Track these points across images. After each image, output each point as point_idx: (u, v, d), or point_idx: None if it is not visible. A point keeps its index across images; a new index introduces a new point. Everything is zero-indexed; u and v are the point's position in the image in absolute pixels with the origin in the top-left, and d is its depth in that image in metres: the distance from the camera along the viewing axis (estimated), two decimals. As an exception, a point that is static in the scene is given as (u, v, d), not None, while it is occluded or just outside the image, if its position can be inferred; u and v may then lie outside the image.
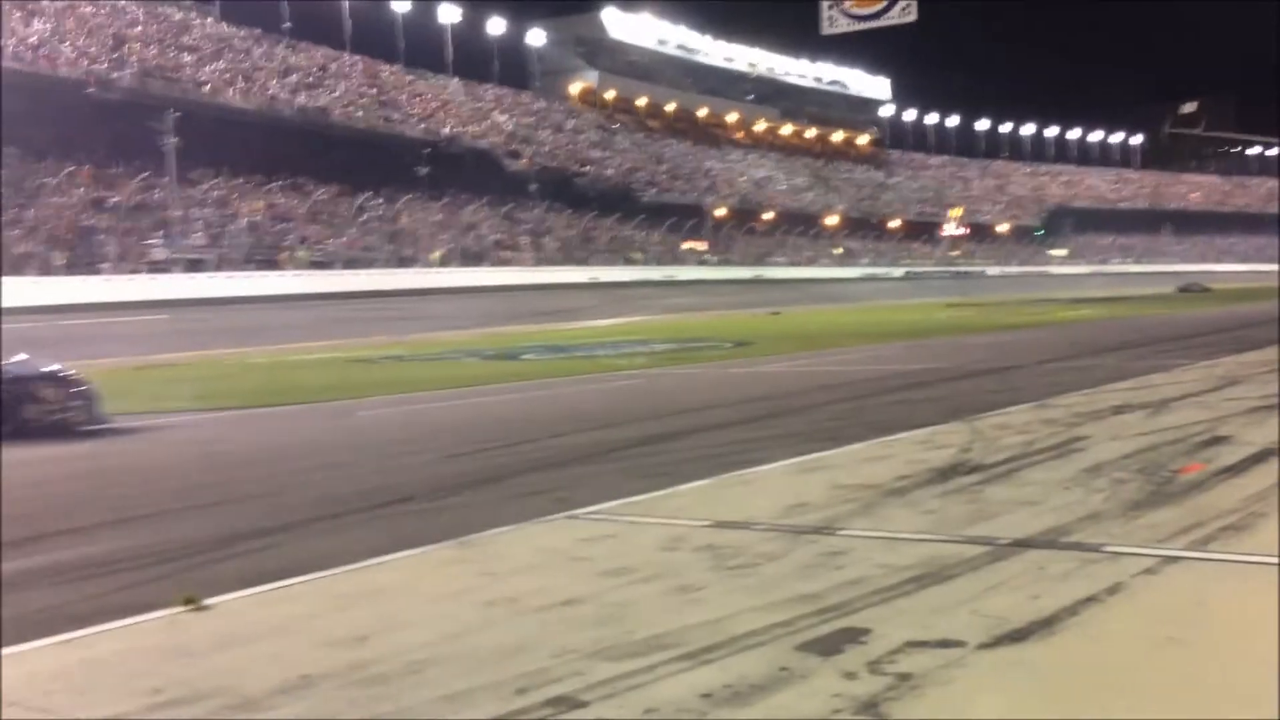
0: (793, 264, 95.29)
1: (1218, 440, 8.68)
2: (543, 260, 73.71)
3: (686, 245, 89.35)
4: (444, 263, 65.38)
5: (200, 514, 8.46)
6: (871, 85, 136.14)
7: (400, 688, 3.97)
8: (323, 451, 11.99)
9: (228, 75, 69.37)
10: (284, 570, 6.00)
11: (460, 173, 75.95)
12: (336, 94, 77.28)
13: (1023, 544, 5.66)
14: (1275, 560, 5.22)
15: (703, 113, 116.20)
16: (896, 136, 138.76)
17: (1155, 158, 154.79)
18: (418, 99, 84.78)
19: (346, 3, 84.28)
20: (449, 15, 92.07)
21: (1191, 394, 11.95)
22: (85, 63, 59.27)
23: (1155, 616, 4.48)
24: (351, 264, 59.50)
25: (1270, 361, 15.54)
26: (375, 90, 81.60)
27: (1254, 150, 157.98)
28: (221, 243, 54.75)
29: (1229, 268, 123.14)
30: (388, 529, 7.41)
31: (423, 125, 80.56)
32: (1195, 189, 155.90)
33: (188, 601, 5.22)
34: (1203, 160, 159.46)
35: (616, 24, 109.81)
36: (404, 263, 63.30)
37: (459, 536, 6.50)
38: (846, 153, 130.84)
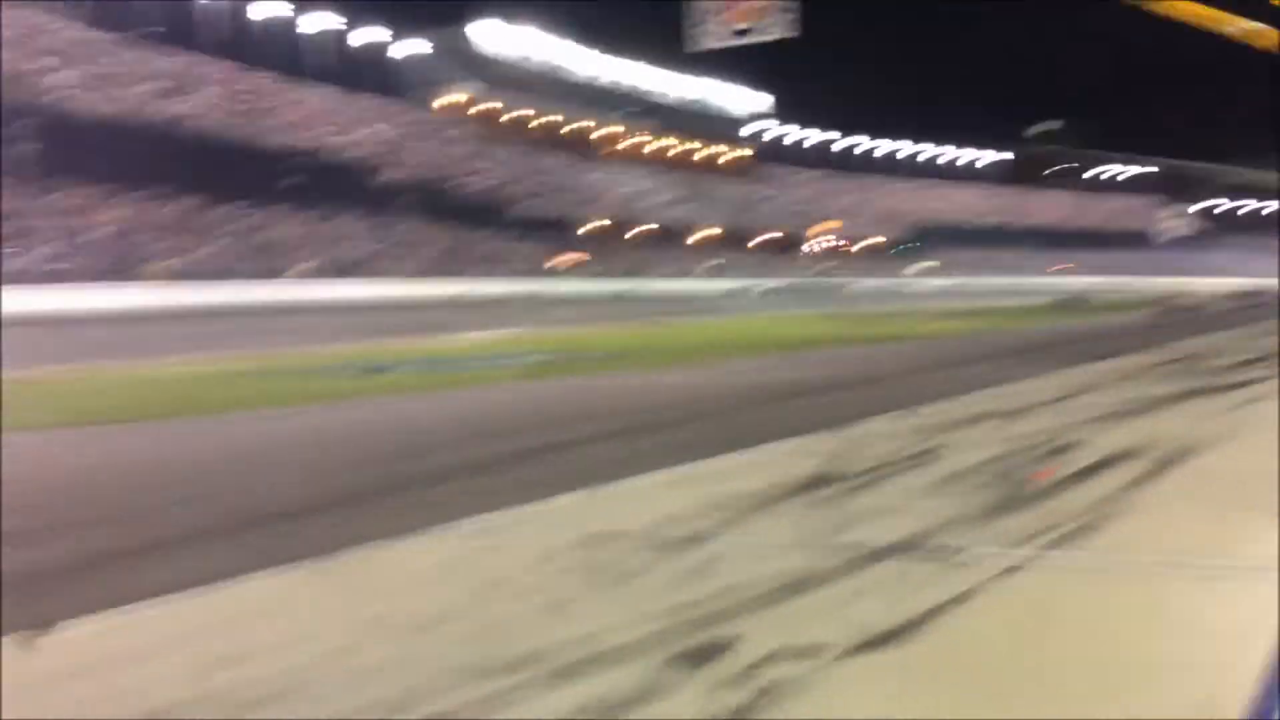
0: (668, 277, 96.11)
1: (1069, 446, 9.04)
2: (416, 273, 72.86)
3: (562, 258, 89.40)
4: (314, 275, 64.14)
5: (50, 535, 8.12)
6: (745, 100, 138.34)
7: (271, 712, 3.87)
8: (184, 469, 11.62)
9: (87, 80, 66.95)
10: (139, 594, 5.80)
11: (331, 183, 74.72)
12: (202, 101, 75.25)
13: (886, 551, 5.81)
14: (1123, 561, 5.48)
15: (580, 126, 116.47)
16: (771, 152, 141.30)
17: (1017, 174, 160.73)
18: (287, 107, 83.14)
19: (212, 7, 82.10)
20: (321, 23, 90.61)
21: (1046, 401, 12.42)
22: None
23: (1011, 618, 4.65)
24: (216, 276, 57.95)
25: (1118, 370, 16.27)
26: (243, 98, 79.73)
27: (1111, 169, 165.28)
28: (78, 254, 52.76)
29: (1087, 280, 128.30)
30: (249, 548, 7.22)
31: (292, 134, 78.99)
32: (1053, 205, 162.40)
33: (32, 628, 5.00)
34: (1062, 178, 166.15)
35: (494, 37, 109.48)
36: (272, 275, 61.89)
37: (326, 554, 6.38)
38: (721, 167, 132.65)
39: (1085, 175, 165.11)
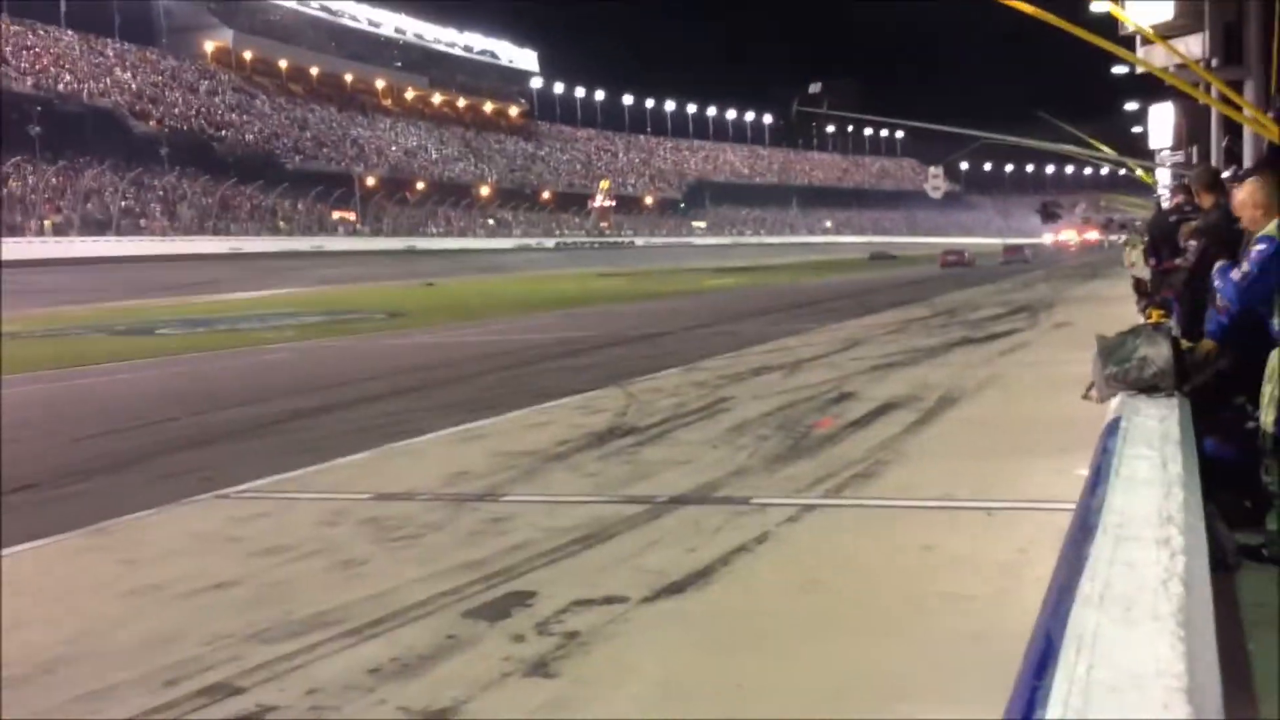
0: (446, 235, 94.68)
1: (845, 396, 9.41)
2: (181, 229, 69.22)
3: (335, 215, 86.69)
4: (61, 231, 60.00)
5: None
6: (520, 56, 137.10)
7: (31, 690, 3.60)
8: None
9: None
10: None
11: (79, 134, 69.88)
12: (-73, 42, 68.97)
13: (678, 501, 5.89)
14: (900, 504, 5.74)
15: (349, 78, 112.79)
16: (545, 109, 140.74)
17: (785, 136, 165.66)
18: (26, 51, 77.05)
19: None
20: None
21: (821, 355, 12.90)
22: None
23: (799, 561, 4.80)
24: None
25: (887, 324, 17.06)
26: (-23, 40, 73.49)
27: (869, 131, 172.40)
28: None
29: (847, 239, 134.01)
30: (10, 519, 6.71)
31: (33, 81, 73.33)
32: (818, 166, 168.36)
33: None
34: (825, 139, 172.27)
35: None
36: (13, 231, 57.51)
37: (93, 524, 5.99)
38: (497, 124, 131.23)
39: (850, 133, 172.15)
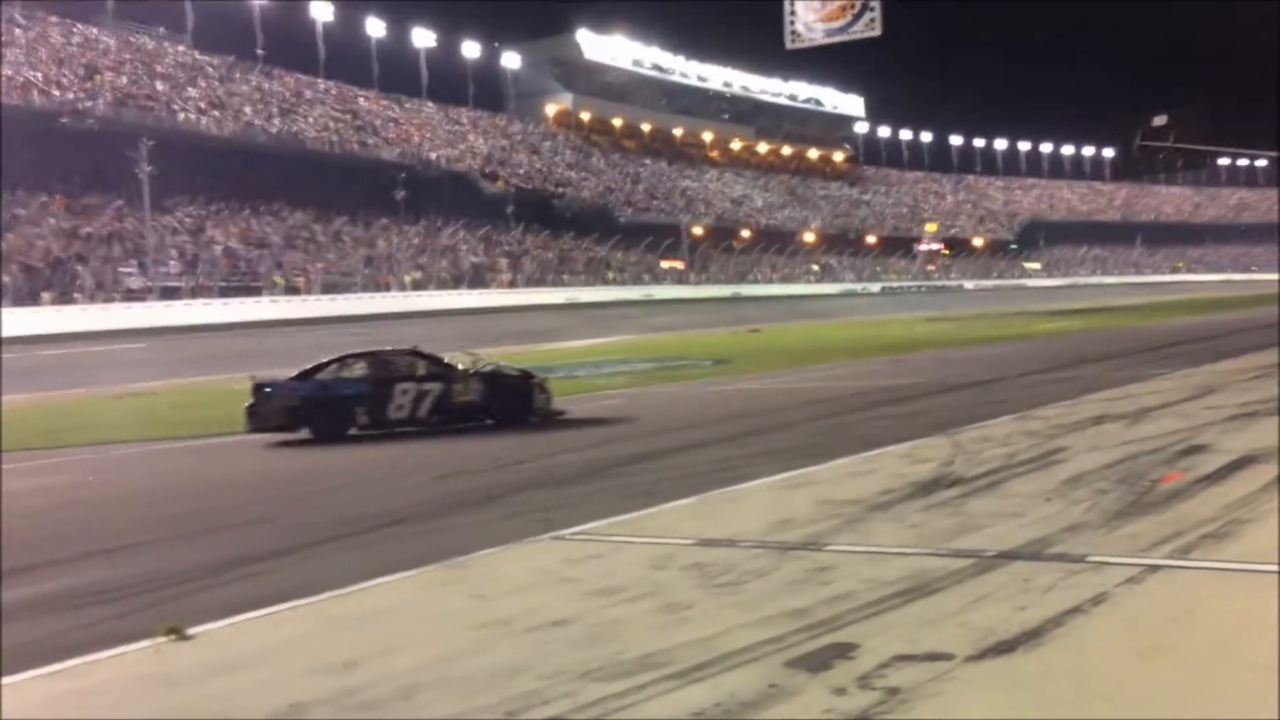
0: (771, 281, 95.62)
1: (1196, 449, 8.75)
2: (524, 281, 73.77)
3: (664, 264, 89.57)
4: (421, 286, 65.34)
5: (200, 539, 8.42)
6: (845, 102, 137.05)
7: (391, 712, 3.97)
8: (317, 476, 11.95)
9: (202, 102, 69.28)
10: (280, 595, 5.98)
11: (437, 196, 76.04)
12: (311, 119, 77.27)
13: (1006, 556, 5.70)
14: (1258, 568, 5.29)
15: (678, 132, 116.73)
16: (870, 153, 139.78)
17: (1126, 170, 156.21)
18: (393, 123, 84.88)
19: (320, 27, 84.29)
20: (423, 40, 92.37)
21: (1169, 403, 12.06)
22: (58, 92, 59.11)
23: (1139, 625, 4.52)
24: (329, 289, 59.38)
25: (1246, 369, 15.69)
26: (350, 115, 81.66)
27: (1223, 161, 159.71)
28: (196, 270, 54.57)
29: (1201, 278, 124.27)
30: (382, 551, 7.40)
31: (398, 149, 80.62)
32: (1167, 201, 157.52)
33: (170, 631, 5.20)
34: (1172, 172, 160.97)
35: (591, 45, 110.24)
36: (381, 287, 63.23)
37: (451, 558, 6.51)
38: (821, 169, 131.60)
39: (1201, 165, 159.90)
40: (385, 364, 15.54)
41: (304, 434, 14.81)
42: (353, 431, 14.93)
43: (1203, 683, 3.82)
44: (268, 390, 14.91)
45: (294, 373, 15.30)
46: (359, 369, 15.40)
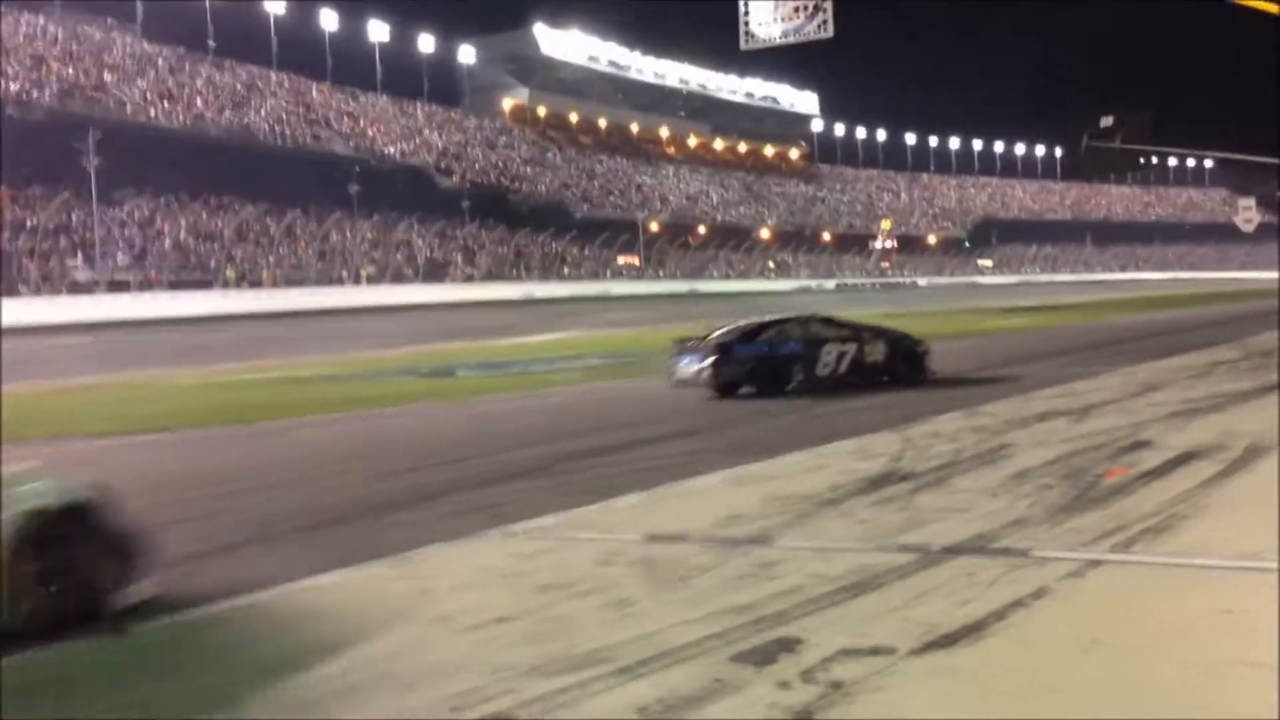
0: (726, 278, 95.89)
1: (1139, 445, 8.87)
2: (480, 276, 73.45)
3: (620, 260, 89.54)
4: (375, 280, 64.90)
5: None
6: (800, 100, 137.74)
7: (334, 710, 3.92)
8: (256, 472, 11.80)
9: (151, 94, 68.31)
10: (215, 594, 5.90)
11: (391, 190, 75.50)
12: (263, 112, 76.45)
13: (951, 551, 5.74)
14: (1198, 563, 5.37)
15: (635, 128, 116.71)
16: (825, 151, 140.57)
17: (1077, 170, 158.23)
18: (346, 117, 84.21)
19: (272, 20, 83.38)
20: (378, 33, 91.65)
21: (1114, 400, 12.22)
22: (4, 83, 58.07)
23: (1080, 619, 4.57)
24: (292, 283, 58.85)
25: (1188, 366, 15.93)
26: (303, 108, 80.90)
27: (1172, 161, 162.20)
28: (146, 263, 53.84)
29: (1148, 275, 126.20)
30: (323, 548, 7.31)
31: (352, 143, 80.00)
32: (1116, 200, 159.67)
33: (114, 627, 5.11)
34: (1122, 172, 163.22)
35: (547, 41, 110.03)
36: (334, 281, 62.73)
37: (396, 554, 6.45)
38: (777, 167, 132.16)
39: (1148, 165, 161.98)
40: (811, 327, 16.93)
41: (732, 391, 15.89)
42: (789, 388, 15.99)
43: (1142, 677, 3.87)
44: (731, 351, 16.06)
45: (709, 334, 16.72)
46: (795, 331, 16.69)
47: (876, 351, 16.70)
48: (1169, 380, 14.12)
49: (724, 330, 16.84)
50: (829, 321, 17.31)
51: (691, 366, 16.18)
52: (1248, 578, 5.06)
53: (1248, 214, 73.92)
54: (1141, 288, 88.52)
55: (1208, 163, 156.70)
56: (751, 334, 16.54)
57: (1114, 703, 3.64)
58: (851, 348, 16.56)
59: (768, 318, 17.45)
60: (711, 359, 15.91)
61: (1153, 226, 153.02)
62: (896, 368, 16.65)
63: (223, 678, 4.41)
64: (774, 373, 16.07)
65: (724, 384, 15.96)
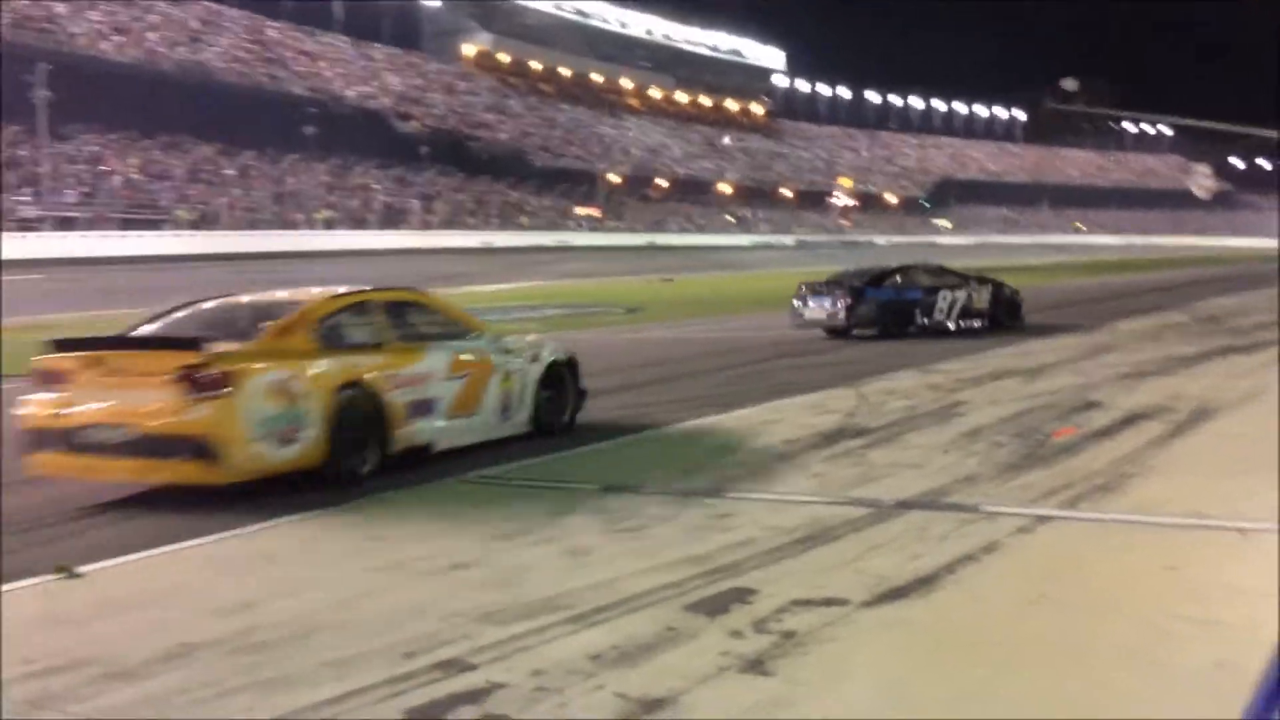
0: (686, 231, 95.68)
1: (1089, 405, 9.00)
2: (437, 223, 72.76)
3: (580, 211, 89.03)
4: (331, 225, 64.13)
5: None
6: (766, 55, 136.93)
7: (285, 654, 3.92)
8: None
9: (103, 27, 66.71)
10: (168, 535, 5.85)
11: (349, 133, 74.33)
12: (219, 49, 74.93)
13: (904, 505, 5.81)
14: (1143, 520, 5.47)
15: (598, 78, 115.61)
16: (788, 106, 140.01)
17: (1036, 133, 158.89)
18: (304, 56, 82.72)
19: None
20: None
21: (1066, 360, 12.37)
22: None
23: (1028, 574, 4.65)
24: (234, 225, 57.95)
25: (1139, 330, 16.15)
26: (259, 46, 79.35)
27: (1130, 127, 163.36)
28: (95, 200, 52.81)
29: (1105, 240, 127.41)
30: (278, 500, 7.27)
31: (309, 84, 78.65)
32: (1074, 164, 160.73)
33: (59, 570, 5.07)
34: (1081, 136, 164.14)
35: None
36: (289, 224, 61.88)
37: (346, 504, 6.41)
38: (740, 121, 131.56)
39: (1108, 130, 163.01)
40: (928, 273, 17.82)
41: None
42: (911, 330, 16.77)
43: (1087, 630, 3.94)
44: (863, 294, 16.76)
45: (826, 279, 17.62)
46: (917, 277, 17.54)
47: (982, 298, 17.62)
48: (1120, 344, 14.30)
49: (844, 274, 17.78)
50: (941, 269, 18.32)
51: (824, 308, 16.97)
52: (1191, 535, 5.17)
53: (1205, 181, 74.39)
54: (1097, 252, 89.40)
55: (1165, 129, 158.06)
56: (878, 279, 17.33)
57: (1060, 654, 3.71)
58: (962, 294, 17.46)
59: (891, 264, 18.34)
60: (846, 301, 16.70)
61: (1110, 192, 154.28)
62: (998, 314, 17.60)
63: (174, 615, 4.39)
64: (901, 315, 16.90)
65: (854, 325, 16.74)
